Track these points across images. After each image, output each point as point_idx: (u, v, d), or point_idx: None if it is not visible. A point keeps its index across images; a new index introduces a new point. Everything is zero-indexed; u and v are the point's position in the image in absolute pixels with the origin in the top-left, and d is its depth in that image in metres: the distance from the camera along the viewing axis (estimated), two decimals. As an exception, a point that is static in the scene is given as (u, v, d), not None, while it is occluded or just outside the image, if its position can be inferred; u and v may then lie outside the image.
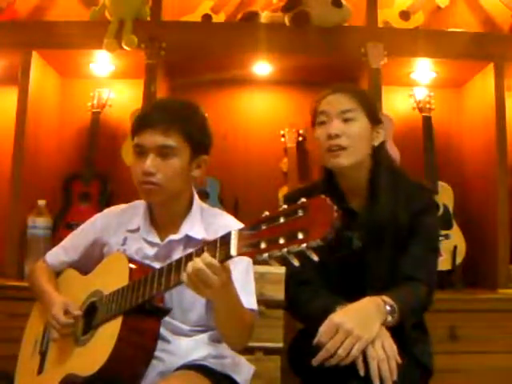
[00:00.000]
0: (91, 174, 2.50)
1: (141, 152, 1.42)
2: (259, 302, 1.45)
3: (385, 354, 1.30)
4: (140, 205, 1.54)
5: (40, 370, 1.47)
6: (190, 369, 1.37)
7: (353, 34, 2.41)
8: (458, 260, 2.37)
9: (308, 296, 1.51)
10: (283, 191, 2.56)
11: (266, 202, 2.48)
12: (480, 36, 2.48)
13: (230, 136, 2.69)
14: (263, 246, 1.03)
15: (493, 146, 2.37)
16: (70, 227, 2.26)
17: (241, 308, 1.33)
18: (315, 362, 1.32)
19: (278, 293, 1.67)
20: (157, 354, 1.35)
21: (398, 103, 2.70)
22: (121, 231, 1.52)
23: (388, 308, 1.36)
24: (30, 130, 2.39)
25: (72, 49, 2.41)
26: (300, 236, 0.98)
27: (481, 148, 2.50)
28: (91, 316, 1.39)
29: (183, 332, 1.44)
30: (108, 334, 1.31)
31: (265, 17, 2.51)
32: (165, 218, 1.49)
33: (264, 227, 1.04)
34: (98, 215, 1.61)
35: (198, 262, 1.16)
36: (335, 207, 0.97)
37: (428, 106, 2.57)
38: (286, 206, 1.04)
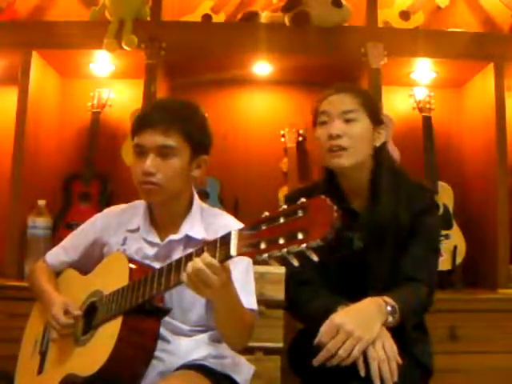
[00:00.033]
0: (91, 174, 2.50)
1: (141, 152, 1.42)
2: (259, 302, 1.45)
3: (385, 355, 1.30)
4: (140, 205, 1.54)
5: (40, 370, 1.47)
6: (190, 369, 1.37)
7: (353, 33, 2.41)
8: (458, 260, 2.37)
9: (308, 296, 1.51)
10: (283, 191, 2.56)
11: (266, 202, 2.49)
12: (480, 36, 2.48)
13: (230, 136, 2.69)
14: (263, 246, 1.03)
15: (493, 146, 2.37)
16: (70, 227, 2.26)
17: (241, 308, 1.33)
18: (316, 362, 1.32)
19: (278, 293, 1.67)
20: (157, 354, 1.35)
21: (398, 103, 2.70)
22: (121, 231, 1.52)
23: (389, 308, 1.36)
24: (30, 130, 2.39)
25: (72, 49, 2.41)
26: (300, 236, 0.98)
27: (481, 148, 2.50)
28: (91, 316, 1.39)
29: (183, 332, 1.44)
30: (108, 333, 1.31)
31: (265, 17, 2.51)
32: (165, 217, 1.49)
33: (264, 227, 1.04)
34: (98, 215, 1.61)
35: (197, 262, 1.16)
36: (335, 207, 0.97)
37: (428, 105, 2.57)
38: (285, 206, 1.04)
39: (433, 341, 1.56)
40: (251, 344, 1.55)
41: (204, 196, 2.42)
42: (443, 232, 2.35)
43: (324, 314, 1.36)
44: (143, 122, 1.44)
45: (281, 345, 1.73)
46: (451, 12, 2.75)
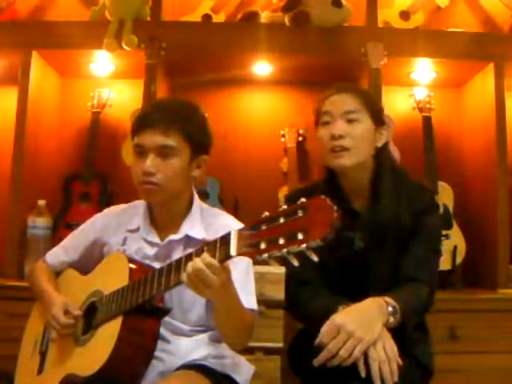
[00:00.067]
0: (91, 174, 2.50)
1: (141, 152, 1.42)
2: (259, 302, 1.45)
3: (386, 356, 1.30)
4: (140, 205, 1.54)
5: (40, 370, 1.47)
6: (190, 369, 1.37)
7: (353, 34, 2.41)
8: (458, 260, 2.37)
9: (308, 296, 1.51)
10: (283, 191, 2.56)
11: (266, 202, 2.49)
12: (480, 36, 2.48)
13: (230, 136, 2.69)
14: (263, 246, 1.03)
15: (493, 146, 2.37)
16: (70, 227, 2.26)
17: (241, 308, 1.33)
18: (317, 362, 1.32)
19: (278, 293, 1.67)
20: (157, 354, 1.35)
21: (398, 103, 2.70)
22: (121, 231, 1.52)
23: (390, 309, 1.36)
24: (30, 130, 2.38)
25: (72, 49, 2.41)
26: (300, 236, 0.98)
27: (481, 148, 2.50)
28: (91, 316, 1.39)
29: (183, 332, 1.44)
30: (108, 333, 1.31)
31: (265, 17, 2.51)
32: (165, 217, 1.49)
33: (264, 227, 1.04)
34: (98, 215, 1.61)
35: (197, 262, 1.16)
36: (335, 207, 0.97)
37: (428, 105, 2.57)
38: (285, 206, 1.04)
39: (433, 341, 1.56)
40: (251, 344, 1.55)
41: (204, 196, 2.42)
42: (443, 232, 2.35)
43: (324, 315, 1.36)
44: (143, 122, 1.44)
45: (281, 345, 1.73)
46: (451, 12, 2.75)
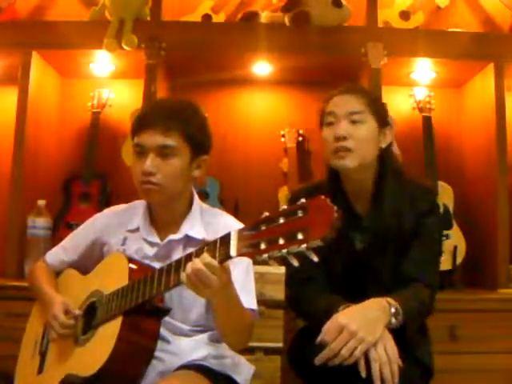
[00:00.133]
0: (91, 174, 2.50)
1: (141, 152, 1.42)
2: (259, 302, 1.45)
3: (387, 357, 1.30)
4: (140, 205, 1.54)
5: (40, 370, 1.47)
6: (190, 369, 1.37)
7: (353, 34, 2.41)
8: (458, 260, 2.37)
9: (311, 294, 1.52)
10: (283, 191, 2.56)
11: (266, 202, 2.49)
12: (480, 36, 2.48)
13: (230, 136, 2.69)
14: (263, 246, 1.03)
15: (493, 146, 2.37)
16: (70, 227, 2.27)
17: (241, 308, 1.33)
18: (318, 360, 1.32)
19: (278, 293, 1.68)
20: (157, 354, 1.35)
21: (398, 103, 2.69)
22: (121, 231, 1.52)
23: (393, 310, 1.36)
24: (30, 130, 2.39)
25: (72, 49, 2.41)
26: (300, 236, 0.98)
27: (481, 148, 2.50)
28: (91, 316, 1.39)
29: (183, 332, 1.44)
30: (108, 334, 1.31)
31: (265, 17, 2.51)
32: (165, 217, 1.49)
33: (264, 228, 1.04)
34: (98, 215, 1.61)
35: (197, 263, 1.16)
36: (335, 207, 0.97)
37: (428, 106, 2.57)
38: (285, 207, 1.04)
39: (433, 341, 1.56)
40: (251, 344, 1.55)
41: (204, 196, 2.42)
42: (443, 232, 2.35)
43: (326, 313, 1.36)
44: (143, 121, 1.44)
45: (281, 345, 1.73)
46: (451, 12, 2.75)
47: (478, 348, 2.11)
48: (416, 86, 2.63)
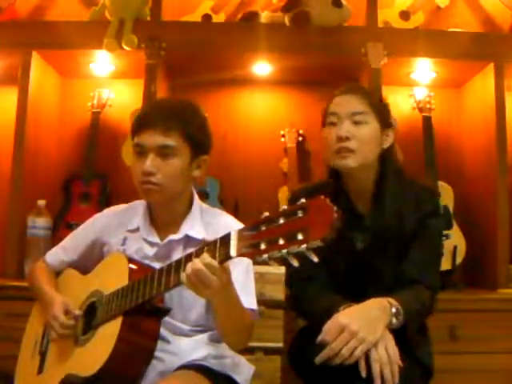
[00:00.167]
0: (91, 174, 2.50)
1: (141, 152, 1.42)
2: (259, 302, 1.45)
3: (387, 357, 1.30)
4: (140, 205, 1.54)
5: (40, 370, 1.47)
6: (190, 369, 1.37)
7: (353, 34, 2.41)
8: (458, 260, 2.37)
9: (311, 294, 1.52)
10: (283, 191, 2.56)
11: (266, 202, 2.48)
12: (480, 36, 2.48)
13: (230, 136, 2.69)
14: (263, 246, 1.03)
15: (493, 146, 2.37)
16: (70, 227, 2.27)
17: (240, 308, 1.33)
18: (318, 360, 1.32)
19: (278, 293, 1.68)
20: (157, 354, 1.35)
21: (398, 103, 2.69)
22: (121, 231, 1.52)
23: (394, 310, 1.36)
24: (30, 130, 2.39)
25: (72, 49, 2.41)
26: (300, 237, 0.98)
27: (481, 148, 2.50)
28: (91, 316, 1.39)
29: (183, 332, 1.44)
30: (108, 334, 1.31)
31: (265, 17, 2.51)
32: (165, 217, 1.49)
33: (264, 228, 1.04)
34: (98, 215, 1.61)
35: (197, 263, 1.16)
36: (335, 208, 0.97)
37: (428, 106, 2.57)
38: (285, 207, 1.04)
39: (433, 341, 1.56)
40: (251, 344, 1.55)
41: (204, 196, 2.42)
42: (443, 232, 2.35)
43: (327, 313, 1.37)
44: (143, 121, 1.44)
45: (281, 345, 1.73)
46: (451, 12, 2.75)
47: (478, 348, 2.11)
48: (416, 86, 2.63)
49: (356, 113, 1.52)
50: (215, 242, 1.16)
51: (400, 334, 1.37)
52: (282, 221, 1.02)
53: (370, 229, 1.52)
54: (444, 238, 2.31)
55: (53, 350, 1.46)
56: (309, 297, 1.52)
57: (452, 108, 2.72)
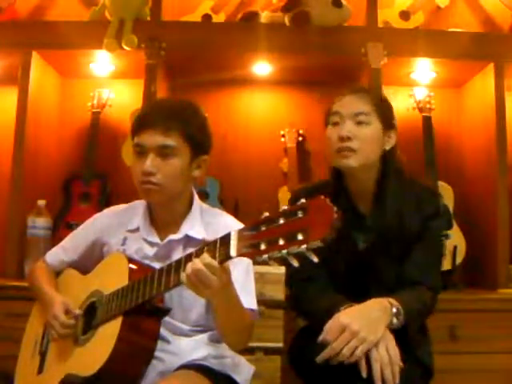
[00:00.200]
0: (91, 174, 2.50)
1: (141, 152, 1.42)
2: (259, 302, 1.45)
3: (388, 358, 1.30)
4: (140, 205, 1.54)
5: (40, 370, 1.47)
6: (190, 369, 1.37)
7: (353, 34, 2.41)
8: (458, 260, 2.37)
9: (312, 294, 1.52)
10: (283, 191, 2.56)
11: (266, 202, 2.48)
12: (480, 36, 2.48)
13: (230, 136, 2.69)
14: (263, 247, 1.03)
15: (493, 146, 2.37)
16: (70, 227, 2.27)
17: (240, 308, 1.33)
18: (319, 359, 1.32)
19: (278, 293, 1.68)
20: (157, 354, 1.35)
21: (398, 103, 2.69)
22: (121, 231, 1.52)
23: (394, 310, 1.37)
24: (30, 130, 2.39)
25: (72, 49, 2.41)
26: (300, 237, 0.98)
27: (481, 148, 2.50)
28: (91, 316, 1.39)
29: (183, 332, 1.44)
30: (108, 334, 1.31)
31: (265, 17, 2.51)
32: (165, 217, 1.49)
33: (264, 228, 1.04)
34: (98, 215, 1.61)
35: (197, 263, 1.16)
36: (335, 208, 0.97)
37: (428, 105, 2.57)
38: (285, 207, 1.04)
39: (433, 341, 1.57)
40: (251, 344, 1.55)
41: (204, 196, 2.42)
42: (443, 232, 2.36)
43: (328, 313, 1.37)
44: (143, 121, 1.44)
45: (281, 345, 1.73)
46: (451, 12, 2.75)
47: (478, 348, 2.11)
48: (416, 85, 2.63)
49: (359, 113, 1.52)
50: (215, 242, 1.16)
51: (401, 334, 1.37)
52: (282, 221, 1.02)
53: (371, 229, 1.52)
54: (444, 238, 2.33)
55: (53, 349, 1.46)
56: (309, 297, 1.52)
57: (452, 108, 2.72)
